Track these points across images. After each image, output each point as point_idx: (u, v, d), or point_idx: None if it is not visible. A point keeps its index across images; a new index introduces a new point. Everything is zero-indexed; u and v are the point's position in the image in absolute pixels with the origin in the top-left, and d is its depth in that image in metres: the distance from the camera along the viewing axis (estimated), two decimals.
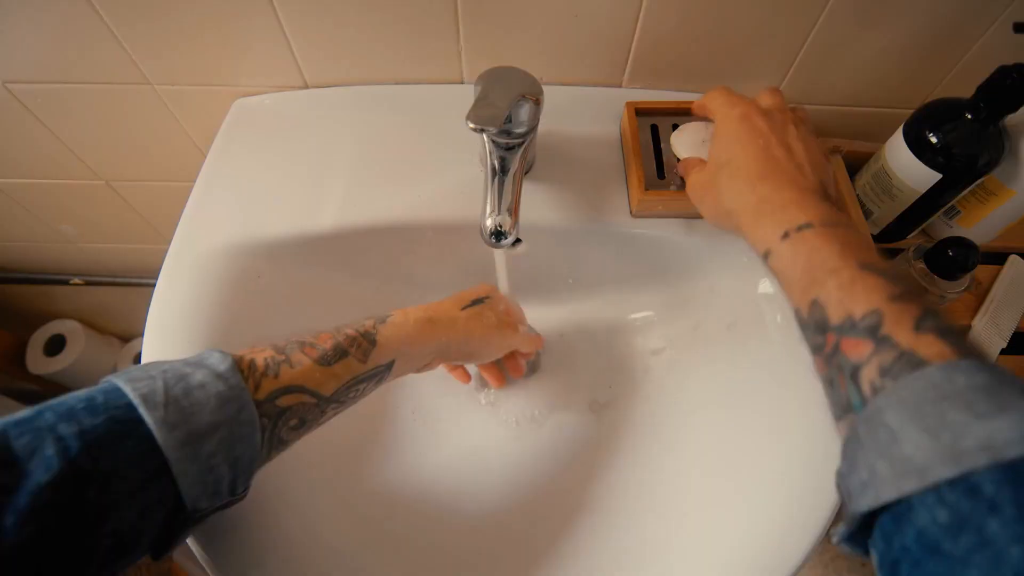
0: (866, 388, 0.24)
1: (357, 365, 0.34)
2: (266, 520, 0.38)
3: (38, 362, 1.00)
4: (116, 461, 0.24)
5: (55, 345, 1.01)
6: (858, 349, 0.24)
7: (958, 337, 0.23)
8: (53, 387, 1.06)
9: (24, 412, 0.25)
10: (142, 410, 0.25)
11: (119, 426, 0.25)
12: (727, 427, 0.45)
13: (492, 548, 0.43)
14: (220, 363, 0.29)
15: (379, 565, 0.41)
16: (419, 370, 0.40)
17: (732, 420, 0.45)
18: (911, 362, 0.22)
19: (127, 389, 0.26)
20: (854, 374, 0.24)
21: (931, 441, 0.20)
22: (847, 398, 0.25)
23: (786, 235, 0.30)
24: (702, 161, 0.40)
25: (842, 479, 0.24)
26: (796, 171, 0.34)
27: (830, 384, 0.26)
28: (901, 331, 0.23)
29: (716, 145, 0.37)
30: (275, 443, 0.31)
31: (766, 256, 0.32)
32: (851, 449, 0.24)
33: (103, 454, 0.24)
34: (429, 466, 0.47)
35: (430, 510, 0.44)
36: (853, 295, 0.26)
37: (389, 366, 0.36)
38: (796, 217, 0.30)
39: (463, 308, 0.41)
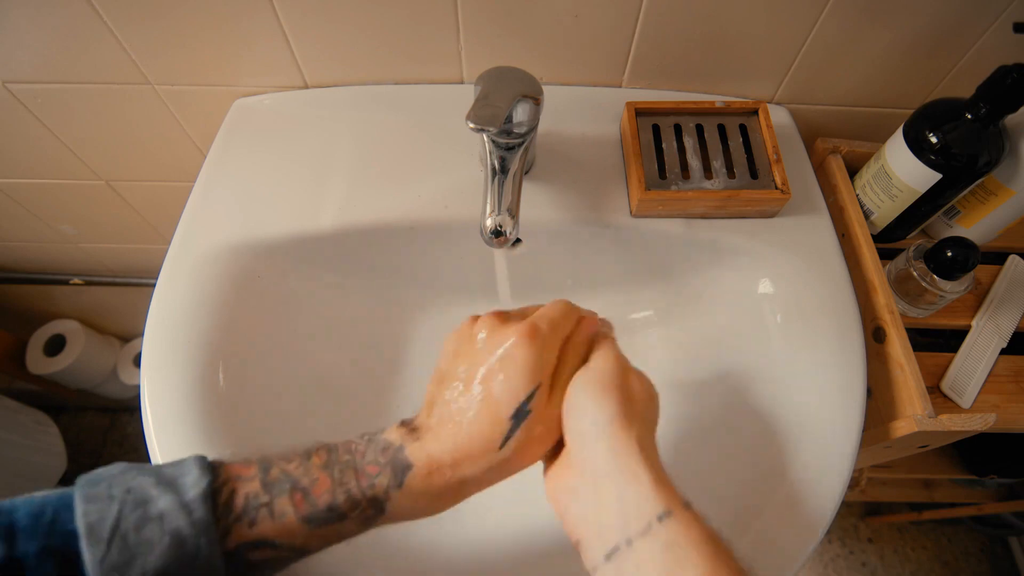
0: None
1: (352, 529, 0.28)
2: None
3: (38, 362, 1.00)
4: None
5: (55, 345, 1.01)
6: None
7: None
8: (53, 387, 1.06)
9: None
10: (83, 544, 0.22)
11: (51, 560, 0.22)
12: (727, 427, 0.45)
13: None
14: (192, 486, 0.25)
15: None
16: None
17: (732, 420, 0.45)
18: None
19: (78, 512, 0.23)
20: None
21: None
22: None
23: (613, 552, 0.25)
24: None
25: None
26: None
27: None
28: None
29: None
30: None
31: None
32: None
33: None
34: None
35: (435, 548, 0.43)
36: None
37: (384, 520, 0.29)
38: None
39: (504, 440, 0.28)
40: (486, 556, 0.42)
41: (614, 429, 0.27)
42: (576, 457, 0.28)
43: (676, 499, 0.26)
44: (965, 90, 0.43)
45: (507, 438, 0.28)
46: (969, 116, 0.42)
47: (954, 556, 1.22)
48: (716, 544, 0.24)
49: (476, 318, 0.32)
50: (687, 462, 0.45)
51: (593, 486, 0.26)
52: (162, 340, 0.42)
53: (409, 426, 0.30)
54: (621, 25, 0.47)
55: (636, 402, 0.29)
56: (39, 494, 0.24)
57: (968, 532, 1.24)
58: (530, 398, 0.28)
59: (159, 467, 0.26)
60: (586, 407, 0.28)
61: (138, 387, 0.41)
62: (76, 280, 0.85)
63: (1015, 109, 0.41)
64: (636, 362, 0.33)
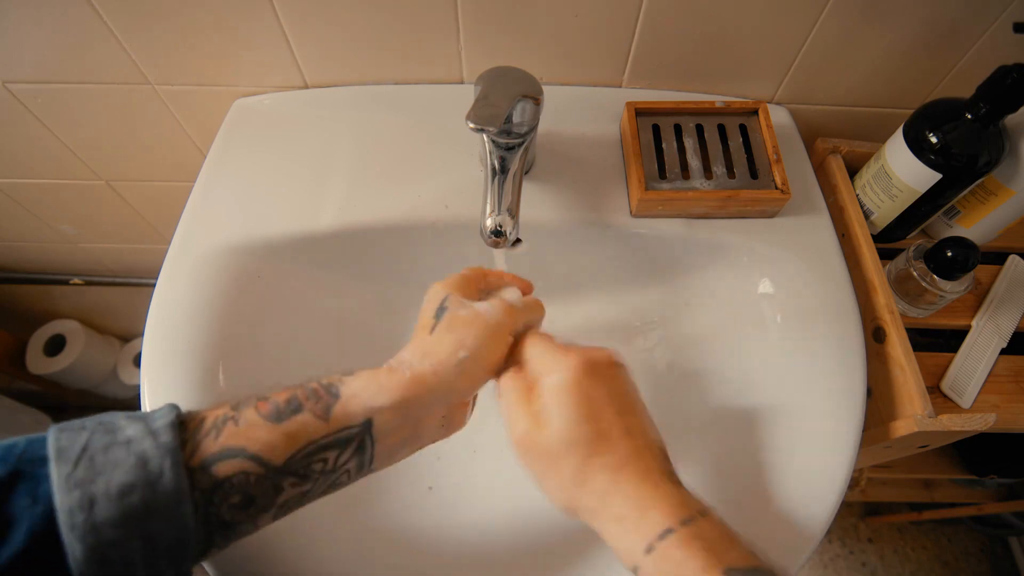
0: None
1: (316, 424, 0.27)
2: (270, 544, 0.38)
3: (38, 362, 1.00)
4: (6, 523, 0.22)
5: (55, 345, 1.01)
6: None
7: None
8: (53, 387, 1.06)
9: None
10: (52, 465, 0.23)
11: (21, 483, 0.22)
12: (726, 427, 0.45)
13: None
14: (161, 417, 0.25)
15: None
16: (435, 436, 0.33)
17: (731, 420, 0.45)
18: None
19: (50, 439, 0.24)
20: None
21: None
22: None
23: (650, 549, 0.27)
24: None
25: None
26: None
27: None
28: None
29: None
30: (216, 524, 0.25)
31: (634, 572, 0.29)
32: None
33: None
34: (436, 497, 0.46)
35: (435, 543, 0.43)
36: None
37: (366, 428, 0.29)
38: (657, 522, 0.28)
39: (431, 328, 0.32)
40: (485, 547, 0.42)
41: (593, 472, 0.29)
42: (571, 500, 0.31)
43: (672, 518, 0.28)
44: (965, 90, 0.43)
45: (434, 327, 0.32)
46: (969, 116, 0.42)
47: (954, 556, 1.22)
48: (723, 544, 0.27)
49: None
50: (687, 462, 0.45)
51: (599, 525, 0.30)
52: (162, 340, 0.42)
53: None
54: (621, 25, 0.47)
55: (603, 415, 0.30)
56: (18, 438, 0.25)
57: (968, 532, 1.24)
58: (445, 299, 0.33)
59: (139, 411, 0.27)
60: (565, 465, 0.30)
61: (138, 387, 0.41)
62: (76, 280, 0.85)
63: (1015, 109, 0.41)
64: (636, 364, 0.34)
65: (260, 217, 0.47)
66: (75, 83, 0.53)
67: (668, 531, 0.27)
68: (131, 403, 1.22)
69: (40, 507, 0.22)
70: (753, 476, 0.42)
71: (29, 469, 0.23)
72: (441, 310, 0.33)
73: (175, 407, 0.27)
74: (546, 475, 0.30)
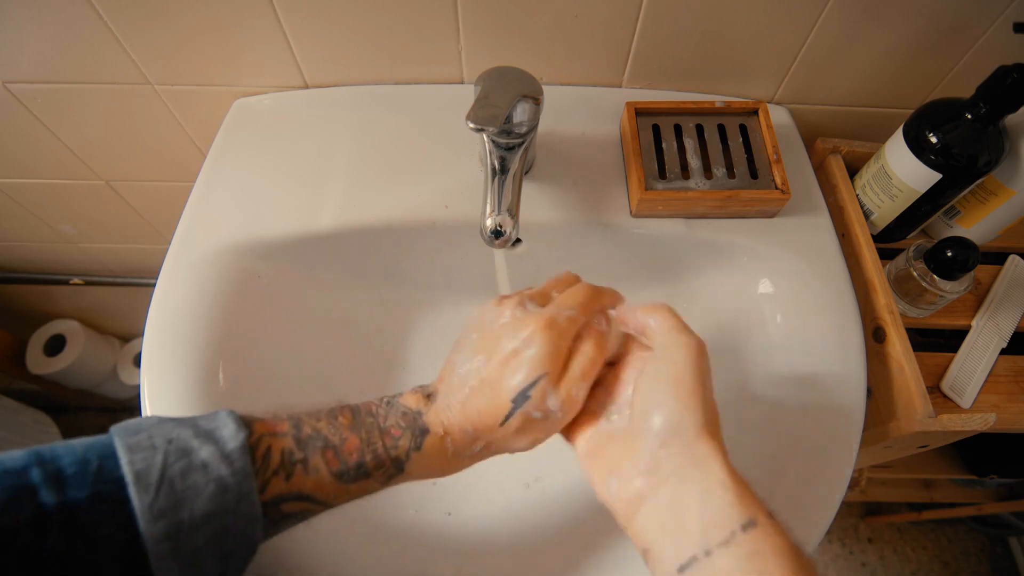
0: None
1: (375, 486, 0.30)
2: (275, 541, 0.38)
3: (38, 362, 1.00)
4: (93, 545, 0.23)
5: (55, 345, 1.01)
6: None
7: None
8: (53, 387, 1.06)
9: (15, 456, 0.23)
10: (132, 491, 0.23)
11: (103, 506, 0.23)
12: (725, 427, 0.45)
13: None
14: (231, 439, 0.26)
15: None
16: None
17: (731, 420, 0.45)
18: None
19: (123, 460, 0.24)
20: None
21: None
22: None
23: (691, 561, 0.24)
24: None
25: None
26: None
27: None
28: None
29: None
30: (268, 537, 0.28)
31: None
32: None
33: (78, 537, 0.22)
34: (449, 497, 0.46)
35: (446, 543, 0.43)
36: None
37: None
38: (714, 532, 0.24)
39: (504, 419, 0.29)
40: (492, 541, 0.42)
41: (699, 434, 0.27)
42: (646, 456, 0.27)
43: (760, 508, 0.25)
44: (965, 90, 0.43)
45: (507, 418, 0.29)
46: (969, 116, 0.42)
47: (954, 556, 1.22)
48: (799, 557, 0.24)
49: (504, 298, 0.33)
50: None
51: (670, 492, 0.26)
52: (162, 340, 0.42)
53: (424, 391, 0.32)
54: (621, 25, 0.47)
55: (714, 403, 0.29)
56: (76, 441, 0.25)
57: (968, 532, 1.24)
58: (532, 385, 0.29)
59: (193, 419, 0.27)
60: (668, 406, 0.27)
61: (138, 387, 0.41)
62: (76, 280, 0.85)
63: (1015, 109, 0.41)
64: None
65: (260, 217, 0.47)
66: (75, 83, 0.53)
67: (751, 523, 0.24)
68: (131, 403, 1.22)
69: (129, 533, 0.23)
70: (752, 476, 0.41)
71: (109, 492, 0.23)
72: (522, 397, 0.29)
73: (238, 420, 0.27)
74: (615, 467, 0.28)
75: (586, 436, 0.31)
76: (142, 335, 0.42)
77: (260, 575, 0.36)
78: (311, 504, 0.28)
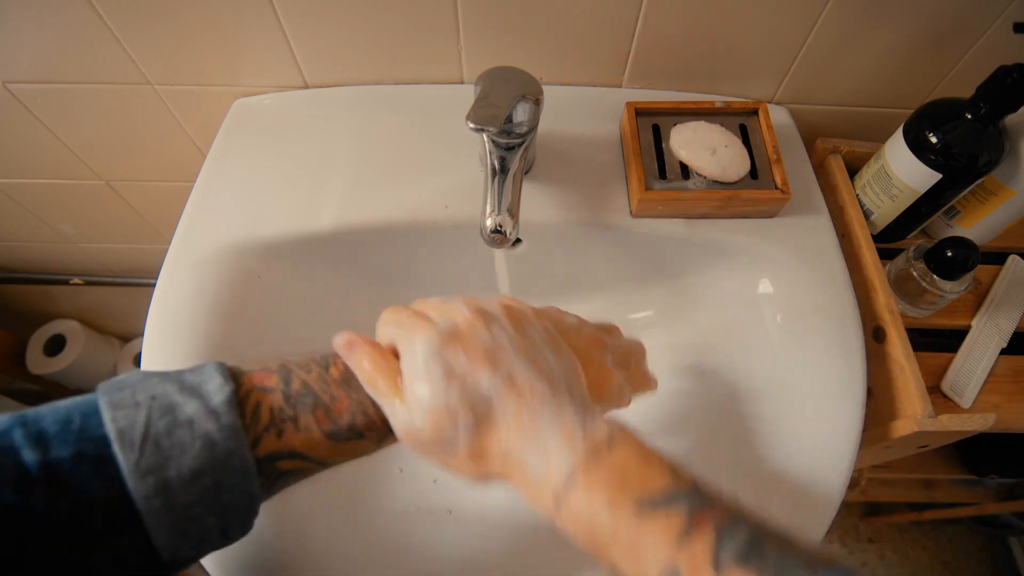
0: None
1: (369, 447, 0.29)
2: (270, 545, 0.38)
3: (38, 362, 1.00)
4: (78, 504, 0.22)
5: (55, 345, 1.01)
6: None
7: (760, 546, 0.22)
8: (53, 387, 1.06)
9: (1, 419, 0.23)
10: (116, 448, 0.23)
11: (87, 464, 0.23)
12: (725, 427, 0.45)
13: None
14: (216, 392, 0.25)
15: None
16: None
17: (731, 420, 0.45)
18: None
19: (106, 417, 0.24)
20: None
21: None
22: None
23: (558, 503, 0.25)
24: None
25: None
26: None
27: None
28: None
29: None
30: (271, 493, 0.28)
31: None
32: None
33: (63, 496, 0.22)
34: (450, 495, 0.46)
35: (446, 541, 0.44)
36: (640, 559, 0.23)
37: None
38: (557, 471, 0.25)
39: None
40: (489, 540, 0.42)
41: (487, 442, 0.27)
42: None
43: (571, 459, 0.25)
44: (965, 90, 0.43)
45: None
46: (969, 116, 0.42)
47: (954, 556, 1.22)
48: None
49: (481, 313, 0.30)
50: (685, 463, 0.45)
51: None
52: (162, 340, 0.42)
53: None
54: (621, 25, 0.47)
55: (474, 381, 0.27)
56: (62, 401, 0.25)
57: (968, 532, 1.24)
58: None
59: (179, 373, 0.26)
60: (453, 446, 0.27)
61: None
62: (76, 280, 0.85)
63: (1015, 109, 0.41)
64: None
65: (260, 217, 0.47)
66: (75, 83, 0.53)
67: (570, 475, 0.25)
68: None
69: (116, 490, 0.23)
70: (753, 476, 0.42)
71: (92, 450, 0.23)
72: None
73: (225, 372, 0.27)
74: (445, 463, 0.28)
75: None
76: (142, 335, 0.42)
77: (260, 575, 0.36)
78: (306, 462, 0.27)
